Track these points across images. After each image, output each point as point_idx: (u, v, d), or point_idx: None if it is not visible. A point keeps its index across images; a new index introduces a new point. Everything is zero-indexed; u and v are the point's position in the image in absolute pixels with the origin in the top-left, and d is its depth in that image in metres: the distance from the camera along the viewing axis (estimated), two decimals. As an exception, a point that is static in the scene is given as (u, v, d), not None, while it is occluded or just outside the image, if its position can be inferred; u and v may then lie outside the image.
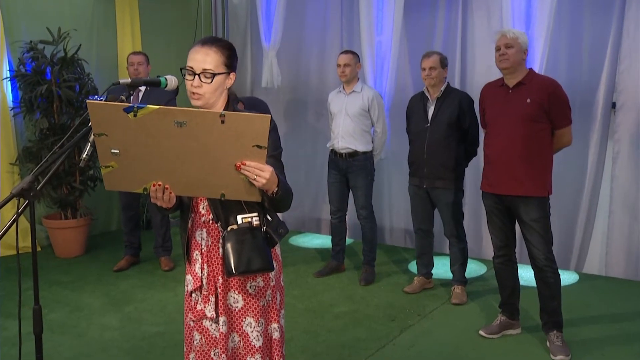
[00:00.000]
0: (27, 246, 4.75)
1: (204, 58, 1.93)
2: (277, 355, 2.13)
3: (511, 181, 3.37)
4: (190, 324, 2.16)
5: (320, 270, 4.88)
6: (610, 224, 4.65)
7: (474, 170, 4.83)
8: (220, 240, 2.02)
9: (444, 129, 4.14)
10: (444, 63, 4.19)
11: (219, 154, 1.72)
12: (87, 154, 1.87)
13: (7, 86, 5.33)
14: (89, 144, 1.85)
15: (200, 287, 2.10)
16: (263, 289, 2.09)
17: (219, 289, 2.07)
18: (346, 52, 4.63)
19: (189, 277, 2.14)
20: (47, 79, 5.17)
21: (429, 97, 4.24)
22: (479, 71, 5.07)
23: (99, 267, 5.07)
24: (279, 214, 2.12)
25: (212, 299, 2.07)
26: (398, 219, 5.68)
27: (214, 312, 2.06)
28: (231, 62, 1.99)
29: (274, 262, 2.06)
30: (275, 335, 2.13)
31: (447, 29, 5.25)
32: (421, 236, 4.46)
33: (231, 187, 1.79)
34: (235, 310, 2.08)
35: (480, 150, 3.73)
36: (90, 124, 1.78)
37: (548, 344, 3.44)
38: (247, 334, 2.08)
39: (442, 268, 4.74)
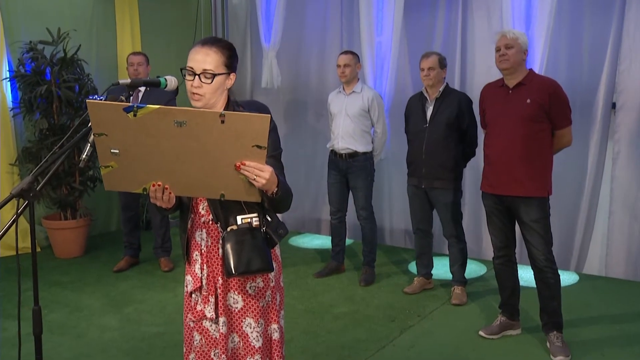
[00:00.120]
0: (26, 247, 4.74)
1: (204, 58, 1.93)
2: (277, 356, 2.13)
3: (511, 182, 3.37)
4: (190, 325, 2.15)
5: (320, 271, 4.88)
6: (610, 225, 4.64)
7: (474, 171, 4.84)
8: (220, 241, 2.02)
9: (442, 129, 4.14)
10: (442, 63, 4.19)
11: (218, 154, 1.71)
12: (86, 155, 1.87)
13: (7, 86, 5.33)
14: (89, 145, 1.85)
15: (200, 287, 2.10)
16: (263, 289, 2.09)
17: (218, 290, 2.06)
18: (346, 52, 4.63)
19: (188, 277, 2.14)
20: (46, 79, 5.17)
21: (428, 98, 4.24)
22: (479, 71, 5.07)
23: (98, 268, 5.06)
24: (278, 215, 2.12)
25: (212, 299, 2.07)
26: (398, 220, 5.68)
27: (213, 313, 2.06)
28: (231, 62, 1.99)
29: (273, 262, 2.06)
30: (275, 336, 2.13)
31: (447, 30, 5.25)
32: (420, 236, 4.46)
33: (231, 187, 1.79)
34: (235, 310, 2.08)
35: (480, 150, 3.73)
36: (89, 124, 1.78)
37: (548, 344, 3.44)
38: (247, 334, 2.08)
39: (442, 269, 4.74)
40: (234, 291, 2.07)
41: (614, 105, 4.58)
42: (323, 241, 5.90)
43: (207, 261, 2.08)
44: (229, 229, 1.98)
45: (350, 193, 4.74)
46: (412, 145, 4.34)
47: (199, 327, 2.12)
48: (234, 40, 6.30)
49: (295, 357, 3.40)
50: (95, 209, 5.80)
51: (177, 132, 1.67)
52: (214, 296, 2.07)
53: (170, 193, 1.82)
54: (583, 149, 4.64)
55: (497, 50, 3.39)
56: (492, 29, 4.84)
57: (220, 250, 2.01)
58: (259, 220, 2.02)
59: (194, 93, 1.95)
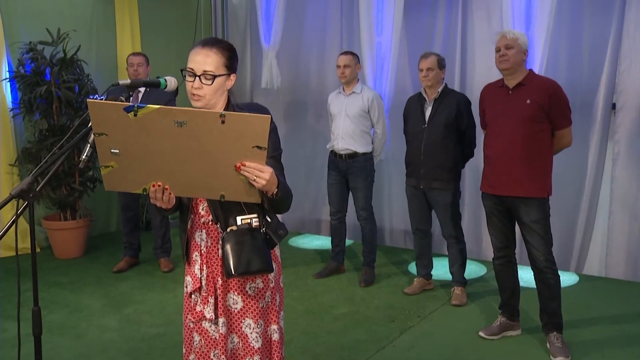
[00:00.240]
0: (26, 247, 4.74)
1: (205, 59, 1.93)
2: (277, 356, 2.13)
3: (511, 182, 3.36)
4: (189, 325, 2.15)
5: (320, 272, 4.88)
6: (610, 225, 4.64)
7: (474, 171, 4.83)
8: (220, 242, 2.01)
9: (441, 130, 4.14)
10: (441, 64, 4.19)
11: (218, 154, 1.71)
12: (86, 155, 1.87)
13: (7, 87, 5.33)
14: (89, 145, 1.85)
15: (200, 288, 2.10)
16: (262, 290, 2.09)
17: (218, 290, 2.06)
18: (346, 53, 4.63)
19: (188, 278, 2.13)
20: (46, 79, 5.17)
21: (427, 98, 4.24)
22: (479, 72, 5.07)
23: (98, 269, 5.06)
24: (278, 215, 2.12)
25: (212, 300, 2.07)
26: (398, 220, 5.68)
27: (213, 314, 2.06)
28: (232, 63, 1.98)
29: (273, 263, 2.06)
30: (275, 336, 2.13)
31: (447, 30, 5.25)
32: (420, 237, 4.45)
33: (231, 188, 1.79)
34: (234, 311, 2.08)
35: (480, 151, 3.73)
36: (89, 125, 1.78)
37: (548, 345, 3.44)
38: (247, 335, 2.08)
39: (441, 269, 4.74)
40: (233, 292, 2.07)
41: (614, 106, 4.58)
42: (323, 242, 5.90)
43: (207, 262, 2.08)
44: (228, 229, 1.98)
45: (350, 194, 4.74)
46: (411, 145, 4.34)
47: (199, 327, 2.12)
48: (234, 41, 6.30)
49: (295, 358, 3.40)
50: (95, 210, 5.80)
51: (178, 132, 1.67)
52: (213, 297, 2.07)
53: (170, 193, 1.82)
54: (583, 149, 4.64)
55: (497, 50, 3.39)
56: (492, 29, 4.84)
57: (220, 250, 2.01)
58: (259, 221, 2.02)
59: (194, 94, 1.94)
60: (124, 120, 1.66)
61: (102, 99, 1.81)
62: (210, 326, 2.10)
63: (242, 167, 1.73)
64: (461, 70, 5.18)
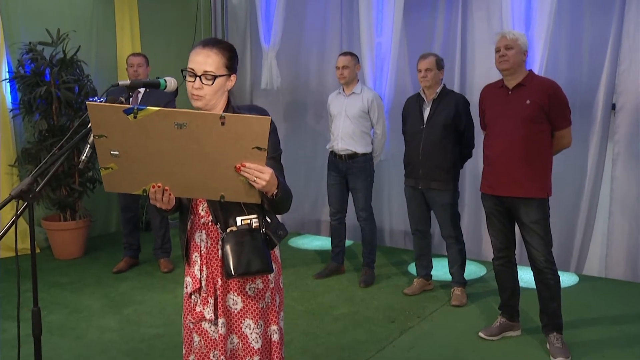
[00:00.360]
0: (26, 248, 4.74)
1: (205, 60, 1.93)
2: (277, 357, 2.13)
3: (511, 183, 3.36)
4: (189, 326, 2.15)
5: (320, 272, 4.88)
6: (610, 226, 4.64)
7: (474, 172, 4.84)
8: (220, 242, 2.01)
9: (439, 130, 4.14)
10: (439, 65, 4.19)
11: (218, 155, 1.71)
12: (86, 156, 1.87)
13: (6, 88, 5.33)
14: (88, 146, 1.85)
15: (200, 288, 2.10)
16: (262, 290, 2.09)
17: (218, 291, 2.06)
18: (345, 53, 4.63)
19: (188, 278, 2.13)
20: (46, 80, 5.17)
21: (425, 99, 4.24)
22: (479, 72, 5.07)
23: (98, 269, 5.06)
24: (278, 216, 2.12)
25: (211, 300, 2.07)
26: (397, 221, 5.67)
27: (212, 314, 2.06)
28: (232, 64, 1.99)
29: (273, 263, 2.06)
30: (275, 337, 2.13)
31: (447, 30, 5.25)
32: (419, 237, 4.45)
33: (231, 188, 1.79)
34: (234, 312, 2.08)
35: (480, 151, 3.73)
36: (89, 125, 1.78)
37: (548, 345, 3.44)
38: (246, 335, 2.08)
39: (441, 270, 4.73)
40: (233, 292, 2.07)
41: (613, 106, 4.58)
42: (323, 242, 5.90)
43: (207, 262, 2.08)
44: (228, 230, 1.98)
45: (350, 194, 4.74)
46: (410, 146, 4.34)
47: (198, 328, 2.11)
48: (234, 41, 6.30)
49: (295, 359, 3.40)
50: (95, 210, 5.80)
51: (177, 134, 1.67)
52: (213, 297, 2.07)
53: (170, 194, 1.82)
54: (583, 149, 4.64)
55: (497, 51, 3.39)
56: (492, 29, 4.84)
57: (220, 251, 2.01)
58: (259, 222, 2.02)
59: (194, 94, 1.94)
60: (123, 122, 1.66)
61: (102, 101, 1.81)
62: (210, 327, 2.10)
63: (242, 168, 1.73)
64: (461, 71, 5.18)
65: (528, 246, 3.42)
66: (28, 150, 5.21)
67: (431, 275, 4.55)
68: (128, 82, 2.00)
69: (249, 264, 1.93)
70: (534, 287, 3.50)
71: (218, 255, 2.05)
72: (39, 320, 1.80)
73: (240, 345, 2.09)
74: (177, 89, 2.09)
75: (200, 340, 2.12)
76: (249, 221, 2.00)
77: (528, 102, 3.31)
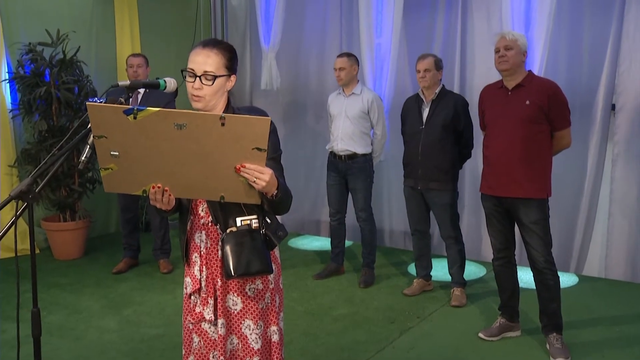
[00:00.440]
0: (25, 248, 4.73)
1: (205, 60, 1.93)
2: (276, 357, 2.13)
3: (510, 183, 3.36)
4: (189, 327, 2.15)
5: (320, 273, 4.87)
6: (610, 226, 4.64)
7: (473, 173, 4.83)
8: (219, 243, 2.01)
9: (438, 131, 4.14)
10: (438, 65, 4.19)
11: (218, 156, 1.71)
12: (86, 156, 1.87)
13: (6, 88, 5.33)
14: (88, 146, 1.85)
15: (199, 289, 2.09)
16: (262, 291, 2.09)
17: (217, 292, 2.06)
18: (341, 55, 4.62)
19: (187, 279, 2.13)
20: (46, 80, 5.16)
21: (424, 99, 4.24)
22: (479, 73, 5.07)
23: (97, 270, 5.05)
24: (278, 217, 2.12)
25: (211, 301, 2.07)
26: (397, 221, 5.67)
27: (212, 315, 2.06)
28: (232, 64, 1.99)
29: (273, 264, 2.06)
30: (275, 337, 2.13)
31: (446, 31, 5.25)
32: (418, 237, 4.45)
33: (231, 189, 1.79)
34: (234, 312, 2.08)
35: (479, 152, 3.72)
36: (89, 126, 1.78)
37: (548, 346, 3.44)
38: (246, 336, 2.08)
39: (441, 270, 4.73)
40: (233, 293, 2.07)
41: (613, 107, 4.58)
42: (322, 243, 5.90)
43: (207, 263, 2.08)
44: (228, 230, 1.98)
45: (350, 195, 4.74)
46: (409, 146, 4.34)
47: (198, 329, 2.11)
48: (233, 42, 6.30)
49: (295, 359, 3.39)
50: (95, 211, 5.79)
51: (177, 134, 1.67)
52: (213, 298, 2.07)
53: (169, 195, 1.82)
54: (582, 150, 4.64)
55: (497, 51, 3.39)
56: (492, 30, 4.84)
57: (220, 252, 2.01)
58: (259, 222, 2.02)
59: (194, 95, 1.94)
60: (123, 122, 1.66)
61: (101, 101, 1.81)
62: (210, 327, 2.10)
63: (242, 169, 1.73)
64: (461, 72, 5.18)
65: (528, 247, 3.42)
66: (28, 151, 5.21)
67: (431, 276, 4.55)
68: (128, 82, 2.00)
69: (248, 265, 1.93)
70: (534, 287, 3.50)
71: (218, 256, 2.05)
72: (39, 321, 1.80)
73: (240, 345, 2.09)
74: (176, 89, 2.09)
75: (199, 340, 2.12)
76: (248, 222, 2.00)
77: (527, 102, 3.31)
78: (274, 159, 1.98)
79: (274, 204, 1.90)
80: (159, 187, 1.80)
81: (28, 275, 1.77)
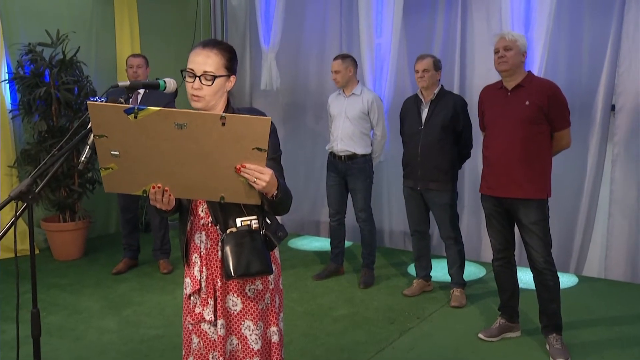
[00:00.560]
0: (25, 249, 4.74)
1: (205, 60, 1.93)
2: (276, 358, 2.12)
3: (510, 184, 3.36)
4: (188, 327, 2.15)
5: (320, 273, 4.87)
6: (609, 227, 4.64)
7: (473, 173, 4.83)
8: (219, 243, 2.01)
9: (437, 131, 4.14)
10: (437, 66, 4.19)
11: (218, 156, 1.71)
12: (85, 157, 1.87)
13: (6, 89, 5.33)
14: (88, 147, 1.85)
15: (199, 290, 2.09)
16: (262, 292, 2.09)
17: (217, 292, 2.06)
18: (336, 58, 4.60)
19: (187, 280, 2.13)
20: (45, 81, 5.16)
21: (423, 100, 4.24)
22: (478, 73, 5.07)
23: (97, 270, 5.05)
24: (278, 217, 2.12)
25: (211, 302, 2.06)
26: (397, 222, 5.67)
27: (212, 315, 2.06)
28: (232, 65, 1.99)
29: (272, 265, 2.06)
30: (274, 338, 2.13)
31: (446, 31, 5.25)
32: (418, 238, 4.45)
33: (231, 189, 1.79)
34: (233, 313, 2.07)
35: (479, 152, 3.72)
36: (89, 126, 1.78)
37: (547, 346, 3.44)
38: (246, 337, 2.08)
39: (441, 271, 4.73)
40: (233, 294, 2.06)
41: (613, 107, 4.58)
42: (322, 243, 5.90)
43: (206, 263, 2.08)
44: (228, 231, 1.98)
45: (349, 195, 4.74)
46: (408, 147, 4.34)
47: (197, 329, 2.11)
48: (233, 42, 6.30)
49: (295, 360, 3.40)
50: (94, 211, 5.79)
51: (178, 134, 1.67)
52: (212, 299, 2.06)
53: (170, 195, 1.82)
54: (582, 150, 4.64)
55: (496, 52, 3.39)
56: (492, 30, 4.84)
57: (220, 252, 2.01)
58: (259, 223, 2.02)
59: (194, 95, 1.95)
60: (124, 122, 1.66)
61: (102, 101, 1.81)
62: (209, 328, 2.09)
63: (242, 169, 1.73)
64: (460, 72, 5.18)
65: (527, 247, 3.42)
66: (27, 152, 5.21)
67: (430, 277, 4.55)
68: (127, 83, 2.00)
69: (248, 265, 1.93)
70: (534, 288, 3.49)
71: (218, 257, 2.04)
72: (38, 322, 1.80)
73: (240, 346, 2.09)
74: (176, 90, 2.09)
75: (199, 341, 2.11)
76: (248, 222, 2.00)
77: (527, 103, 3.31)
78: (274, 159, 1.98)
79: (274, 204, 1.89)
80: (159, 187, 1.80)
81: (28, 275, 1.77)
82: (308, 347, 3.57)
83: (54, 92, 5.09)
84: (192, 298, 2.12)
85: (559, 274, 3.46)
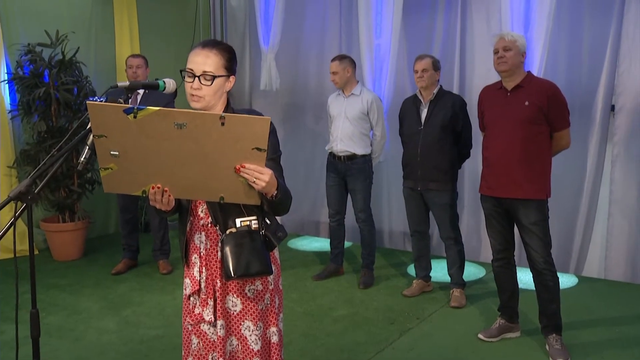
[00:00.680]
0: (24, 249, 4.73)
1: (205, 60, 1.93)
2: (276, 359, 2.12)
3: (510, 184, 3.36)
4: (188, 328, 2.14)
5: (319, 274, 4.87)
6: (609, 227, 4.64)
7: (473, 173, 4.83)
8: (219, 244, 2.01)
9: (437, 131, 4.14)
10: (436, 66, 4.19)
11: (218, 156, 1.71)
12: (85, 157, 1.86)
13: (5, 89, 5.32)
14: (87, 147, 1.84)
15: (199, 290, 2.09)
16: (262, 292, 2.08)
17: (217, 293, 2.06)
18: (333, 59, 4.59)
19: (187, 280, 2.13)
20: (45, 81, 5.16)
21: (422, 100, 4.24)
22: (478, 74, 5.07)
23: (96, 271, 5.05)
24: (277, 218, 2.12)
25: (211, 302, 2.06)
26: (397, 222, 5.67)
27: (212, 316, 2.05)
28: (231, 65, 1.99)
29: (272, 265, 2.05)
30: (274, 339, 2.12)
31: (446, 32, 5.25)
32: (418, 238, 4.45)
33: (230, 190, 1.79)
34: (233, 313, 2.07)
35: (478, 152, 3.72)
36: (88, 127, 1.78)
37: (547, 347, 3.44)
38: (246, 337, 2.07)
39: (440, 271, 4.73)
40: (232, 294, 2.06)
41: (613, 107, 4.58)
42: (322, 244, 5.90)
43: (206, 264, 2.08)
44: (227, 231, 1.98)
45: (349, 195, 4.73)
46: (407, 147, 4.34)
47: (197, 330, 2.11)
48: (233, 43, 6.30)
49: (294, 360, 3.40)
50: (94, 212, 5.79)
51: (177, 134, 1.67)
52: (212, 299, 2.06)
53: (169, 195, 1.82)
54: (582, 151, 4.64)
55: (495, 52, 3.39)
56: (491, 31, 4.84)
57: (219, 253, 2.01)
58: (258, 223, 2.01)
59: (193, 95, 1.94)
60: (123, 122, 1.66)
61: (102, 100, 1.81)
62: (209, 329, 2.09)
63: (241, 169, 1.73)
64: (460, 72, 5.18)
65: (527, 247, 3.42)
66: (27, 152, 5.21)
67: (430, 277, 4.54)
68: (127, 83, 2.00)
69: (248, 266, 1.93)
70: (533, 288, 3.49)
71: (217, 257, 2.04)
72: (38, 322, 1.80)
73: (240, 347, 2.08)
74: (176, 90, 2.09)
75: (199, 342, 2.11)
76: (248, 223, 1.99)
77: (527, 103, 3.31)
78: (273, 159, 1.98)
79: (274, 204, 1.89)
80: (158, 188, 1.79)
81: (27, 276, 1.77)
82: (308, 348, 3.56)
83: (54, 93, 5.09)
84: (191, 298, 2.12)
85: (558, 274, 3.46)
